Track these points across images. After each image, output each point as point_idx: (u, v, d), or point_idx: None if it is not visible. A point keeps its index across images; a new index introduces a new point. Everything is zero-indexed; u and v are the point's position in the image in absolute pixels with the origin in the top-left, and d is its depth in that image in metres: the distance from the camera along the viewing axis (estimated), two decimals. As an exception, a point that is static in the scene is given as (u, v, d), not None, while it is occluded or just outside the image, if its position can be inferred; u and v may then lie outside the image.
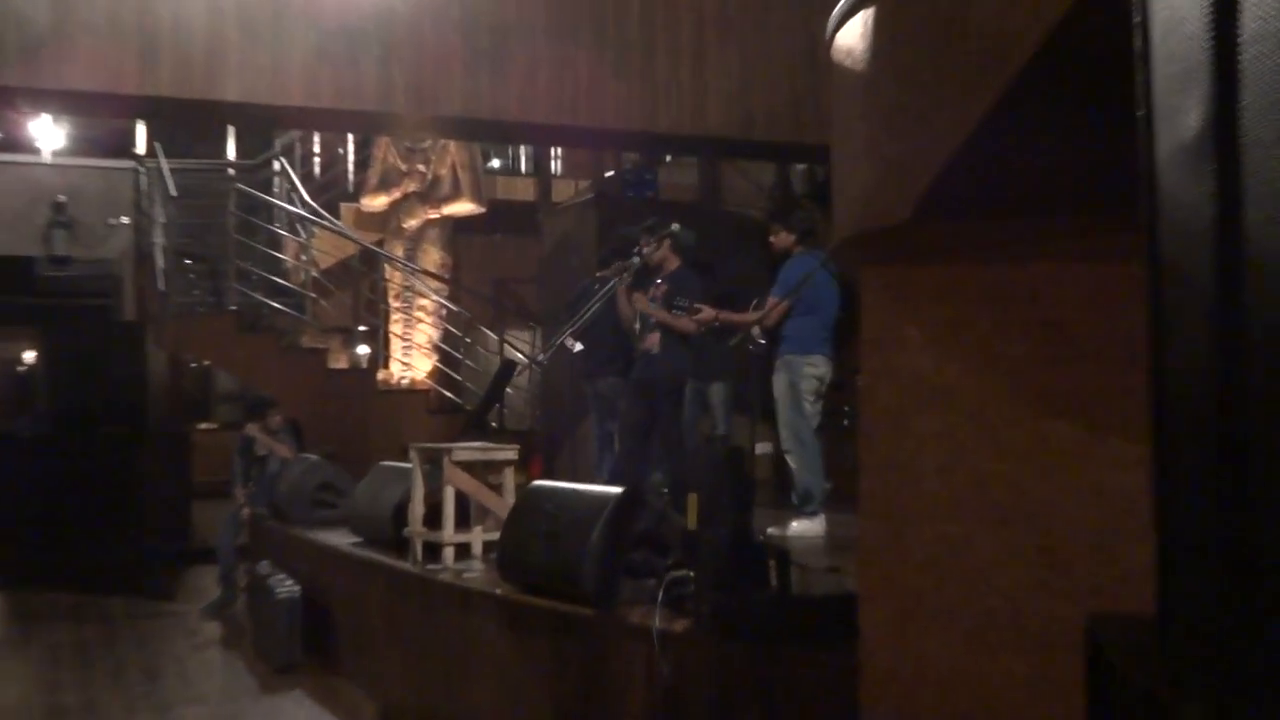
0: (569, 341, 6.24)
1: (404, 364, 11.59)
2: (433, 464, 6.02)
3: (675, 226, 6.89)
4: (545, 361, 6.50)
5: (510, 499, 5.85)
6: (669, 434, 7.14)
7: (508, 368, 10.08)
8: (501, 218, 12.51)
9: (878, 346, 3.54)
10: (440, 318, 11.86)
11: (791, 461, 6.59)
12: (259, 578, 7.51)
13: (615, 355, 7.31)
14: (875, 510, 3.58)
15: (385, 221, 12.10)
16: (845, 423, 8.37)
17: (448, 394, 11.44)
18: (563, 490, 4.91)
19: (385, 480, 6.76)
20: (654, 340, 7.03)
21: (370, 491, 6.82)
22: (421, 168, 11.95)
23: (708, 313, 6.73)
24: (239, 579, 8.72)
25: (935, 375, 3.44)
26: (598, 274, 7.71)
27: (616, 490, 4.61)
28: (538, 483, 5.08)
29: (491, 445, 6.15)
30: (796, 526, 6.43)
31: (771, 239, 6.85)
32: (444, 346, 11.77)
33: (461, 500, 5.89)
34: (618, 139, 8.83)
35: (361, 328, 11.77)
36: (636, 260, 7.06)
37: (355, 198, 12.26)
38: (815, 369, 6.55)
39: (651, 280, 7.18)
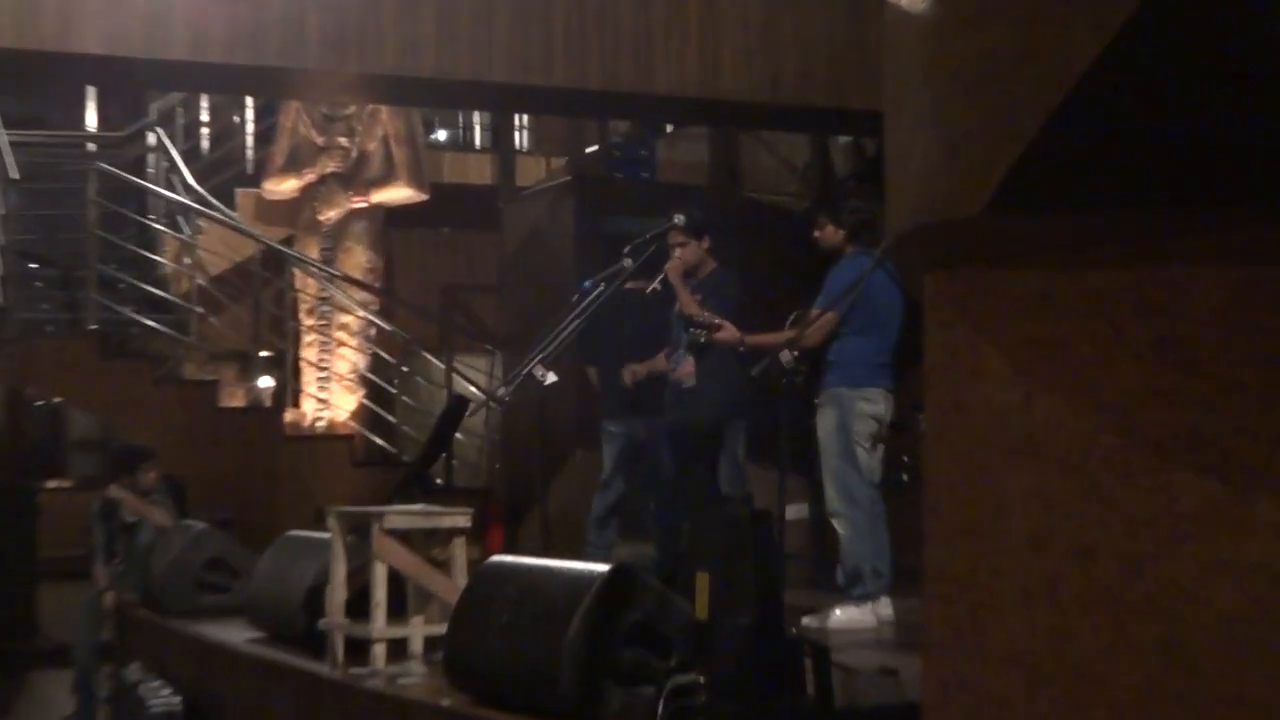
0: (539, 371, 6.28)
1: (320, 401, 11.63)
2: (358, 534, 6.02)
3: (677, 218, 6.95)
4: (507, 398, 6.52)
5: (461, 580, 5.84)
6: (677, 491, 7.19)
7: (457, 406, 10.08)
8: (450, 207, 12.59)
9: (946, 377, 3.57)
10: (368, 339, 11.91)
11: (839, 527, 6.62)
12: (127, 686, 7.49)
13: (644, 385, 7.43)
14: (944, 593, 3.61)
15: (296, 212, 12.18)
16: (905, 477, 8.42)
17: (378, 441, 11.47)
18: (530, 569, 4.91)
19: (295, 556, 6.76)
20: (688, 370, 7.08)
21: (275, 571, 6.82)
22: (343, 142, 12.03)
23: (728, 331, 6.76)
24: (100, 687, 8.71)
25: (1022, 414, 3.46)
26: (627, 285, 7.84)
27: (601, 568, 4.62)
28: (497, 558, 5.09)
29: (436, 509, 6.15)
30: (841, 615, 6.44)
31: (816, 233, 6.91)
32: (373, 378, 11.82)
33: (396, 582, 5.88)
34: (602, 103, 8.91)
35: (264, 353, 11.81)
36: (628, 263, 7.11)
37: (257, 181, 12.33)
38: (872, 406, 6.60)
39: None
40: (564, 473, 10.04)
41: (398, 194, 12.04)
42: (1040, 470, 3.41)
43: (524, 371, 6.33)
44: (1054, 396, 3.39)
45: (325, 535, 6.47)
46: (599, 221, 10.25)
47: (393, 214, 12.29)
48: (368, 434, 11.52)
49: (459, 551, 5.96)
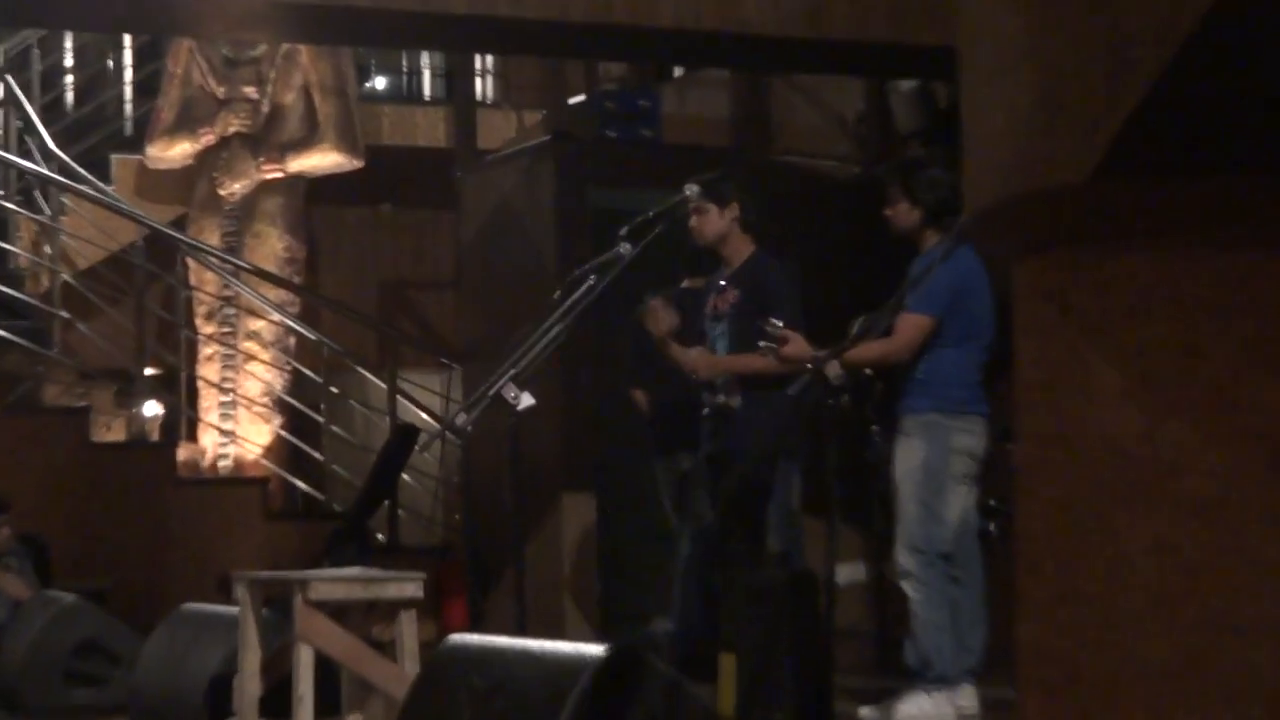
0: (511, 392, 6.29)
1: (224, 433, 11.65)
2: (276, 608, 6.06)
3: (689, 188, 7.00)
4: (469, 427, 6.53)
5: (411, 667, 5.87)
6: (711, 545, 7.25)
7: (404, 439, 10.12)
8: (391, 177, 12.62)
9: (1045, 397, 3.60)
10: (285, 352, 11.92)
11: (910, 592, 6.66)
12: (-27, 809, 7.52)
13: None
14: (1043, 678, 3.64)
15: (189, 185, 12.18)
16: (992, 528, 8.46)
17: (300, 485, 11.49)
18: (502, 652, 4.91)
19: (193, 636, 6.80)
20: (731, 386, 7.24)
21: (168, 656, 6.85)
22: (251, 92, 12.06)
23: (796, 344, 6.72)
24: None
25: (1144, 444, 3.49)
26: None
27: (593, 651, 4.63)
28: (457, 638, 5.10)
29: (378, 574, 6.19)
30: (910, 708, 6.47)
31: (887, 211, 6.96)
32: (293, 402, 11.83)
33: (327, 670, 5.92)
34: (589, 40, 8.93)
35: (149, 371, 11.83)
36: (625, 249, 7.14)
37: (139, 146, 12.35)
38: (971, 439, 6.69)
39: (709, 282, 7.37)
40: (545, 525, 10.05)
41: (323, 160, 12.06)
42: (1168, 517, 3.44)
43: (491, 392, 6.34)
44: (1186, 421, 3.41)
45: (233, 610, 6.50)
46: (586, 194, 10.29)
47: (317, 187, 12.30)
48: (286, 476, 11.52)
49: (408, 630, 6.00)
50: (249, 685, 6.00)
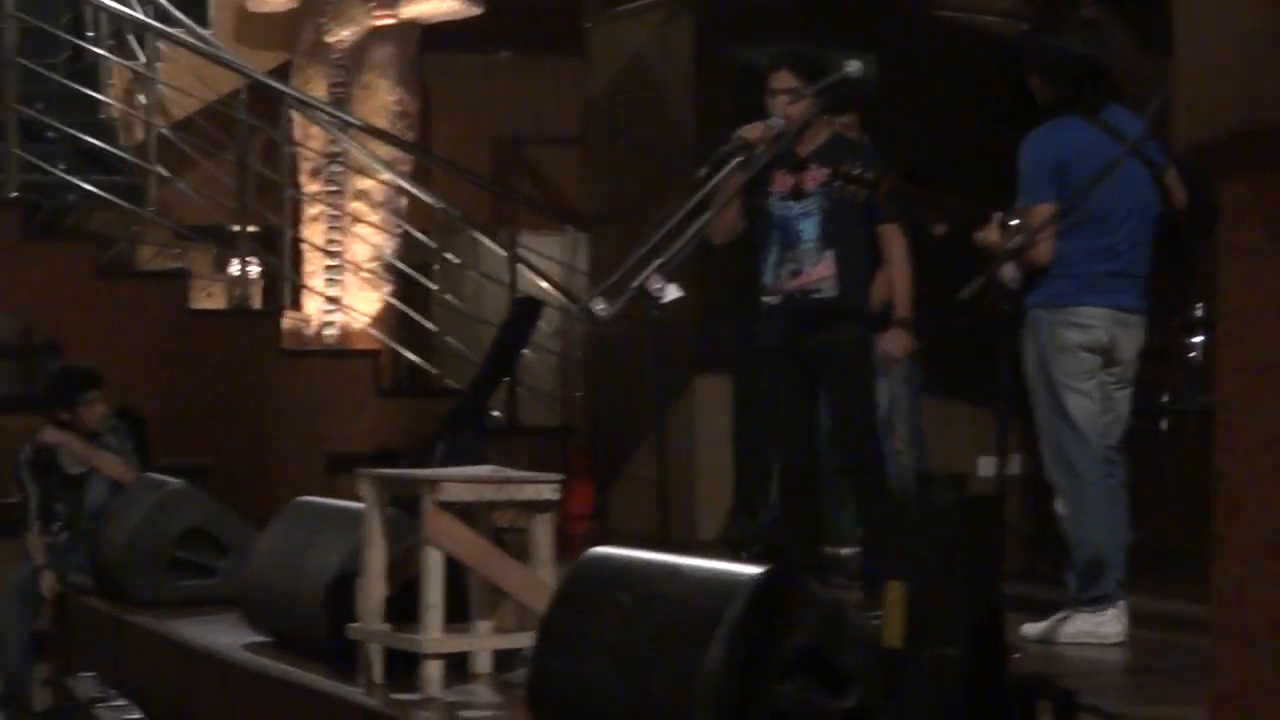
0: (656, 284, 6.37)
1: (330, 301, 11.78)
2: (401, 505, 6.17)
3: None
4: (606, 315, 6.61)
5: (547, 574, 5.99)
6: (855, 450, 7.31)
7: (525, 312, 10.25)
8: (512, 25, 12.62)
9: (1250, 328, 3.62)
10: (396, 213, 12.02)
11: (1059, 505, 6.72)
12: (75, 702, 7.69)
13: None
14: (1243, 629, 3.68)
15: (293, 30, 12.26)
16: (1164, 425, 8.51)
17: (411, 358, 11.62)
18: (649, 566, 5.01)
19: (311, 532, 6.91)
20: (823, 270, 7.17)
21: (284, 552, 6.97)
22: (360, -75, 12.08)
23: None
24: (35, 699, 8.96)
25: (1362, 379, 3.51)
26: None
27: (749, 571, 4.73)
28: (601, 550, 5.20)
29: (512, 473, 6.28)
30: (1076, 627, 6.55)
31: (1034, 92, 6.96)
32: (404, 268, 11.95)
33: (453, 575, 6.03)
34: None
35: (248, 228, 11.97)
36: (780, 123, 7.18)
37: (237, -12, 12.45)
38: (1085, 333, 6.65)
39: (786, 162, 7.29)
40: (678, 411, 10.14)
41: (439, 6, 12.09)
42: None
43: (636, 285, 6.43)
44: None
45: (352, 505, 6.63)
46: (730, 50, 10.27)
47: (432, 34, 12.33)
48: (398, 348, 11.65)
49: (543, 535, 6.09)
50: (373, 589, 6.10)
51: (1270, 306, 3.64)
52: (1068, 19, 10.82)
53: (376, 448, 10.42)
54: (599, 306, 7.01)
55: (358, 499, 6.24)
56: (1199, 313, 7.51)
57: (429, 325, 11.83)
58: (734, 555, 8.01)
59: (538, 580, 5.96)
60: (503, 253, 11.77)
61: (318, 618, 6.56)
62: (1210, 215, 6.39)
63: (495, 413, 10.86)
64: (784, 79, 7.27)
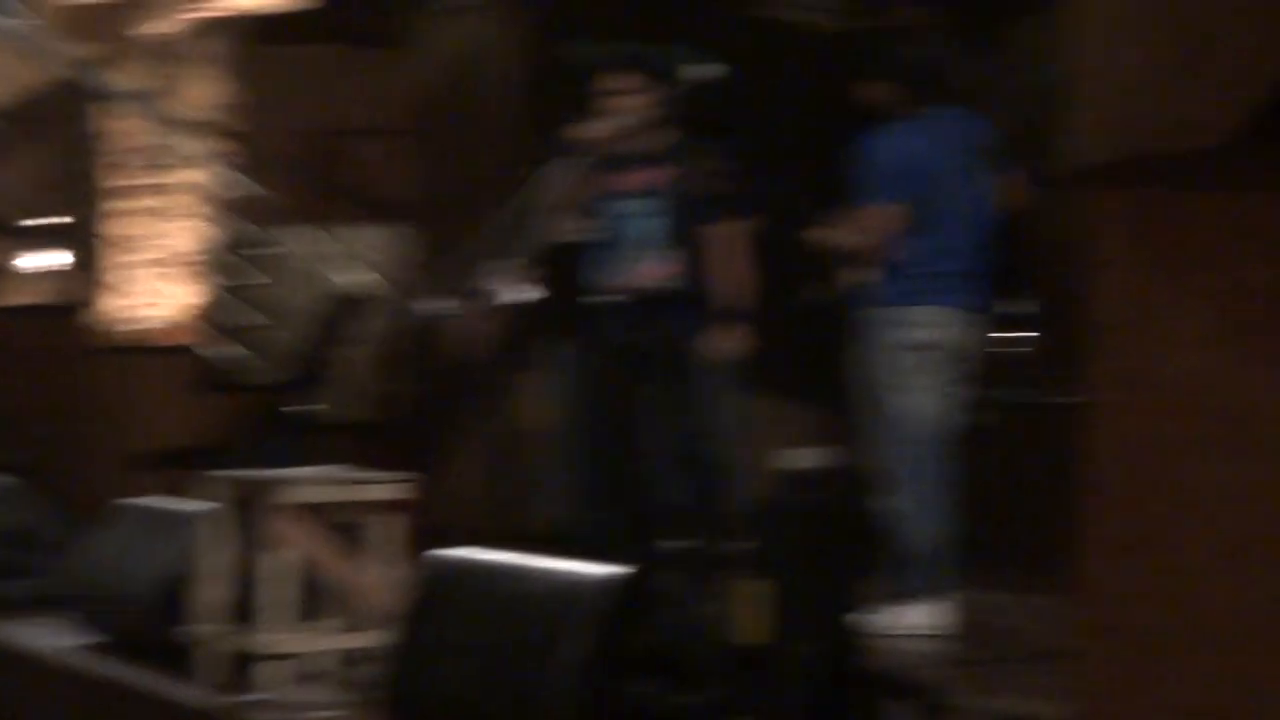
0: (496, 284, 6.39)
1: (149, 296, 11.60)
2: (243, 505, 6.16)
3: (707, 69, 7.02)
4: (449, 314, 6.60)
5: (393, 572, 6.00)
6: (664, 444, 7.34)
7: (345, 306, 10.22)
8: (339, 17, 12.52)
9: (1122, 337, 3.70)
10: (219, 208, 11.88)
11: (888, 501, 6.84)
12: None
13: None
14: (1106, 625, 3.76)
15: (113, 22, 12.08)
16: (988, 419, 8.62)
17: (232, 353, 11.49)
18: (504, 567, 5.07)
19: (141, 533, 6.87)
20: (667, 269, 7.19)
21: (113, 552, 6.92)
22: (181, -85, 11.94)
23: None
24: None
25: (1227, 389, 3.59)
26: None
27: (602, 571, 4.78)
28: (451, 551, 5.24)
29: (358, 473, 6.29)
30: (906, 620, 6.71)
31: (866, 95, 7.06)
32: (222, 259, 11.80)
33: (299, 574, 6.02)
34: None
35: (54, 220, 11.78)
36: (626, 122, 7.21)
37: (54, -23, 12.23)
38: (924, 332, 6.85)
39: (629, 160, 7.32)
40: (502, 404, 10.13)
41: (265, -4, 11.98)
42: (1245, 467, 3.56)
43: (487, 286, 6.45)
44: (1273, 368, 3.52)
45: (181, 505, 6.61)
46: (561, 45, 10.27)
47: (254, 27, 12.21)
48: (213, 341, 11.53)
49: (391, 533, 6.10)
50: (212, 589, 6.08)
51: (1137, 318, 3.72)
52: (889, 18, 10.98)
53: (191, 444, 10.35)
54: (432, 304, 7.05)
55: (171, 496, 6.20)
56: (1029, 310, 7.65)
57: (249, 319, 11.70)
58: (565, 550, 8.02)
59: (383, 579, 5.97)
60: (326, 247, 11.67)
61: (153, 619, 6.52)
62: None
63: (317, 407, 10.79)
64: (629, 79, 7.31)
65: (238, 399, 10.89)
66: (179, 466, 9.93)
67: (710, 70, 7.02)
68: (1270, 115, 2.81)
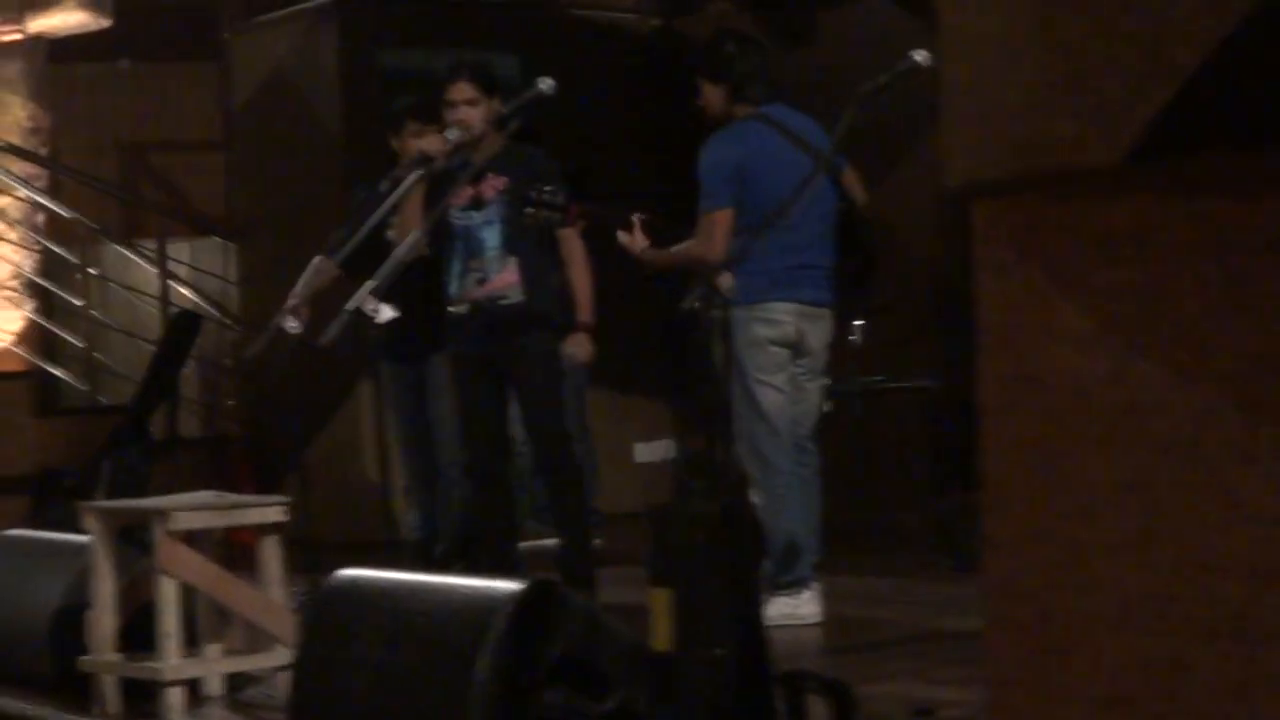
0: (370, 305, 6.45)
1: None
2: (126, 535, 6.20)
3: (544, 83, 7.10)
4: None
5: (279, 593, 6.09)
6: (557, 450, 7.48)
7: (184, 325, 10.24)
8: (144, 36, 12.51)
9: (1008, 338, 3.87)
10: (35, 230, 11.84)
11: (753, 495, 6.99)
12: None
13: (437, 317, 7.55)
14: (1013, 616, 3.93)
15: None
16: (826, 408, 8.84)
17: (62, 375, 11.49)
18: (401, 587, 5.16)
19: (22, 564, 6.84)
20: (508, 277, 7.33)
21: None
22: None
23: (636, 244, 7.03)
24: None
25: (1113, 386, 3.77)
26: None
27: (510, 586, 4.89)
28: (349, 571, 5.31)
29: (238, 498, 6.36)
30: (776, 610, 6.83)
31: (700, 104, 7.22)
32: (45, 284, 11.79)
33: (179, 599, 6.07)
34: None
35: None
36: (458, 134, 7.28)
37: None
38: (774, 329, 6.99)
39: (461, 173, 7.38)
40: (339, 416, 10.22)
41: (67, 19, 11.91)
42: (1138, 458, 3.75)
43: (351, 307, 6.50)
44: (1155, 363, 3.72)
45: (64, 536, 6.64)
46: (375, 57, 10.39)
47: (60, 48, 12.17)
48: (47, 366, 11.51)
49: (272, 555, 6.18)
50: (104, 619, 6.12)
51: (1024, 319, 3.90)
52: (698, 14, 11.19)
53: (37, 468, 10.33)
54: (291, 324, 7.13)
55: (18, 523, 6.19)
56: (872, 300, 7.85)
57: (75, 341, 11.69)
58: (424, 555, 8.13)
59: (272, 602, 6.06)
60: (146, 264, 11.69)
61: (41, 651, 6.52)
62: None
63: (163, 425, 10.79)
64: (462, 89, 7.37)
65: (81, 420, 10.89)
66: (27, 491, 9.96)
67: (545, 84, 7.07)
68: (1152, 141, 3.01)
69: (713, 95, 7.16)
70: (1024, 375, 3.88)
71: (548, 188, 6.91)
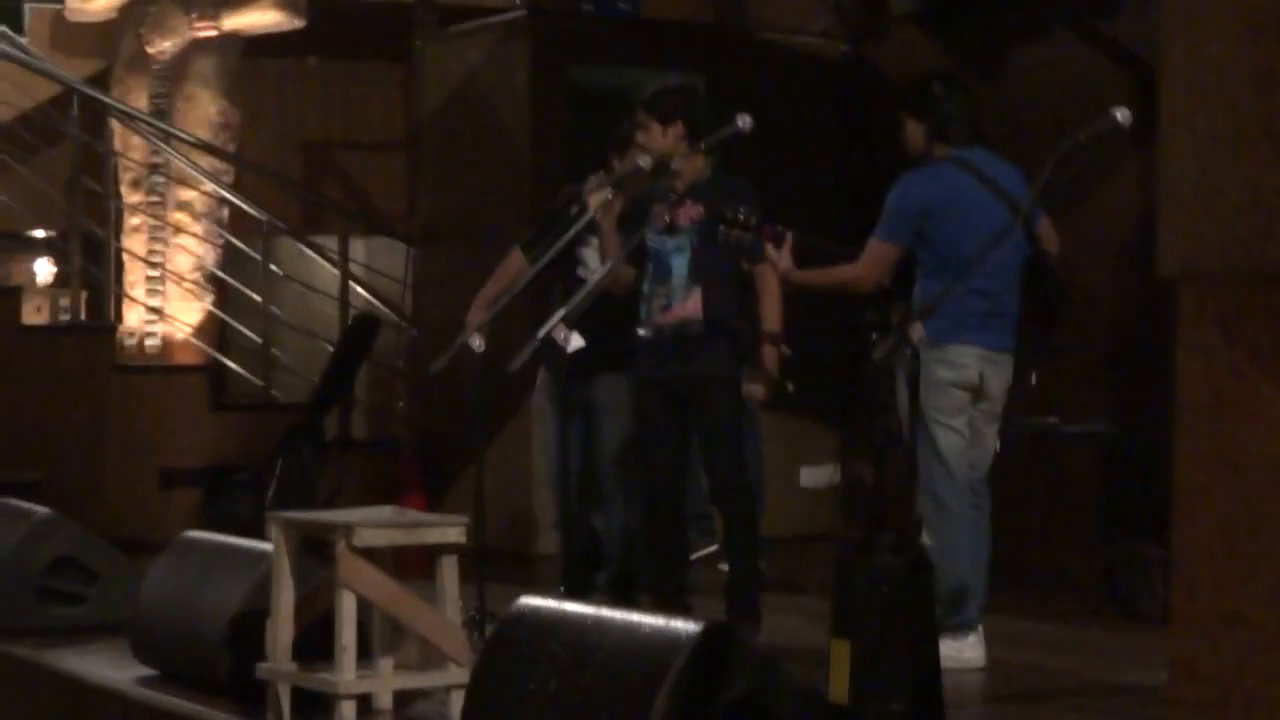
0: (561, 334, 6.52)
1: (151, 311, 11.72)
2: (310, 547, 6.29)
3: (741, 120, 7.12)
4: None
5: (454, 613, 6.16)
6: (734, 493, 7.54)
7: (364, 327, 10.36)
8: (339, 37, 12.65)
9: (1206, 420, 3.89)
10: (219, 224, 12.01)
11: (926, 536, 7.00)
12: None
13: (614, 335, 7.61)
14: (1199, 699, 3.94)
15: (111, 41, 12.16)
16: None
17: (242, 372, 11.64)
18: (586, 620, 5.18)
19: (204, 567, 6.94)
20: (692, 306, 7.39)
21: (176, 584, 7.00)
22: (183, -65, 12.01)
23: (785, 259, 7.03)
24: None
25: (1312, 474, 3.78)
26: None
27: (688, 626, 4.92)
28: (532, 600, 5.36)
29: (420, 516, 6.43)
30: (943, 651, 6.83)
31: (900, 137, 7.23)
32: (227, 278, 11.95)
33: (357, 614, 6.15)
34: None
35: (39, 233, 11.81)
36: (644, 163, 7.33)
37: (58, -6, 12.34)
38: (956, 371, 6.99)
39: (662, 198, 7.44)
40: (512, 425, 10.28)
41: (261, 18, 12.07)
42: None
43: (542, 336, 6.58)
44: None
45: (247, 542, 6.76)
46: (564, 72, 10.48)
47: (255, 46, 12.31)
48: (226, 361, 11.67)
49: (449, 575, 6.23)
50: (282, 629, 6.19)
51: (1224, 401, 3.91)
52: (886, 40, 11.19)
53: (212, 463, 10.48)
54: (476, 343, 7.21)
55: (191, 516, 6.25)
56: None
57: (252, 336, 11.85)
58: (586, 580, 8.16)
59: (447, 622, 6.13)
60: (328, 264, 11.84)
61: (219, 655, 6.61)
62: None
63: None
64: (640, 117, 7.48)
65: (258, 417, 11.05)
66: (200, 484, 10.11)
67: (743, 121, 7.09)
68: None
69: (914, 132, 7.18)
70: (1221, 457, 3.88)
71: (742, 208, 6.95)
